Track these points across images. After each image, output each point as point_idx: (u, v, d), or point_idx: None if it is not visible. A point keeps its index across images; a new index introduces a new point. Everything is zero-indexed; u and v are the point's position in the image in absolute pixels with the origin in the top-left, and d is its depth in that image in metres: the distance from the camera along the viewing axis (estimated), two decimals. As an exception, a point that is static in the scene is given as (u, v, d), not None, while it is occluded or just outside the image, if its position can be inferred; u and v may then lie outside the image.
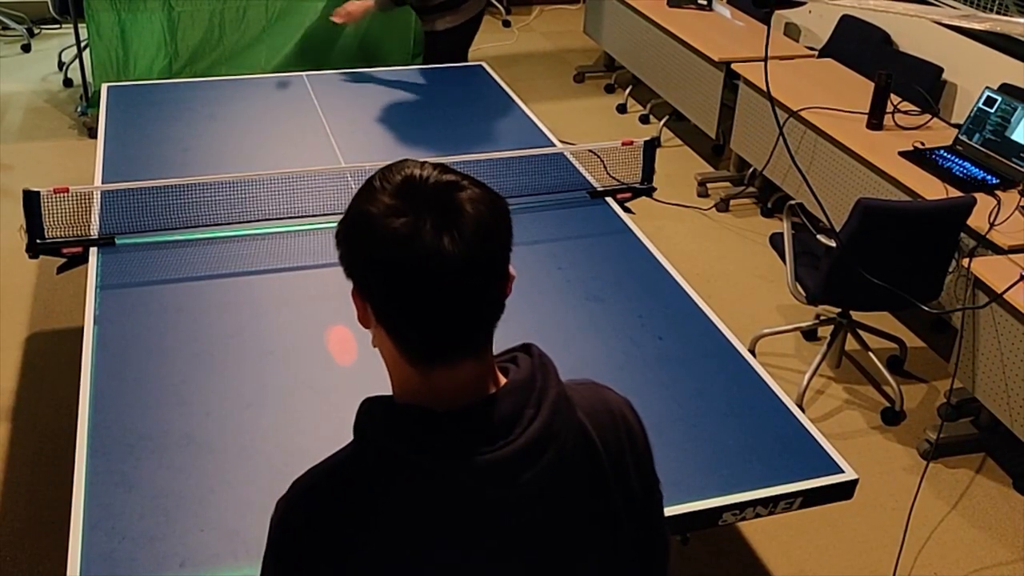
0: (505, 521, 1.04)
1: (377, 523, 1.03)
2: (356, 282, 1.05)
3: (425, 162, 1.06)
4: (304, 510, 1.07)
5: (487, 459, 1.02)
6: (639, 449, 1.19)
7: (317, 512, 1.05)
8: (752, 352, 3.59)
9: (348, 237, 1.04)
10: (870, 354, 3.68)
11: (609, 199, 3.26)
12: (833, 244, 3.32)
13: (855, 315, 3.75)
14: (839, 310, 3.70)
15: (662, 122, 5.70)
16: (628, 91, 6.08)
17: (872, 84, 4.16)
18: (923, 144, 3.97)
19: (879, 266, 3.25)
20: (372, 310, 1.04)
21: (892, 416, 3.54)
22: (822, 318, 3.88)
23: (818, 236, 3.56)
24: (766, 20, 5.46)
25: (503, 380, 1.09)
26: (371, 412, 1.07)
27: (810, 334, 3.99)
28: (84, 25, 5.10)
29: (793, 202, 3.61)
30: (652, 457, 1.22)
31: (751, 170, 4.98)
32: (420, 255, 0.98)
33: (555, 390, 1.08)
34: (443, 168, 1.05)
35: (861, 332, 3.74)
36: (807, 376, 3.57)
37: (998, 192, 3.63)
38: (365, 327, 1.08)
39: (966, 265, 3.19)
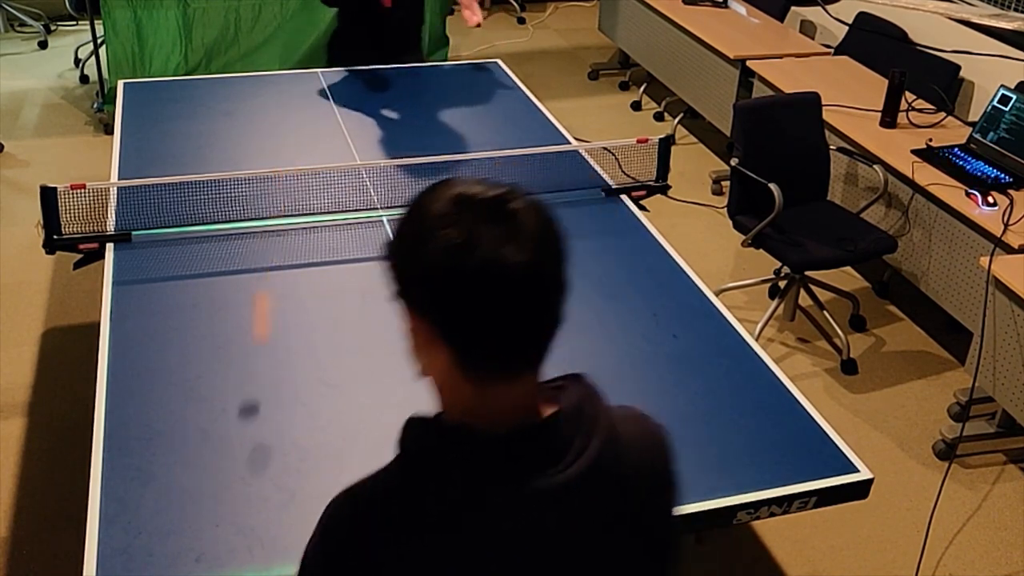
0: (541, 550, 1.05)
1: (419, 547, 1.02)
2: (410, 300, 1.03)
3: (471, 178, 1.05)
4: (345, 533, 1.05)
5: (533, 488, 1.02)
6: (666, 481, 1.17)
7: (359, 535, 1.03)
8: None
9: (401, 253, 1.02)
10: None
11: (624, 197, 3.26)
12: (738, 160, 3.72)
13: (854, 320, 3.74)
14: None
15: (677, 120, 5.69)
16: (643, 88, 6.07)
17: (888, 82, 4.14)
18: (936, 142, 3.95)
19: (773, 167, 3.73)
20: (429, 327, 1.01)
21: (851, 367, 3.64)
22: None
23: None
24: (781, 17, 5.44)
25: (549, 409, 1.07)
26: (417, 431, 1.06)
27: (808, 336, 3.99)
28: (100, 22, 5.13)
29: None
30: (677, 491, 1.19)
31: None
32: (483, 262, 0.97)
33: (605, 423, 1.08)
34: (491, 182, 1.04)
35: (864, 330, 3.73)
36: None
37: (1011, 192, 3.60)
38: (417, 356, 1.05)
39: (985, 266, 3.17)
